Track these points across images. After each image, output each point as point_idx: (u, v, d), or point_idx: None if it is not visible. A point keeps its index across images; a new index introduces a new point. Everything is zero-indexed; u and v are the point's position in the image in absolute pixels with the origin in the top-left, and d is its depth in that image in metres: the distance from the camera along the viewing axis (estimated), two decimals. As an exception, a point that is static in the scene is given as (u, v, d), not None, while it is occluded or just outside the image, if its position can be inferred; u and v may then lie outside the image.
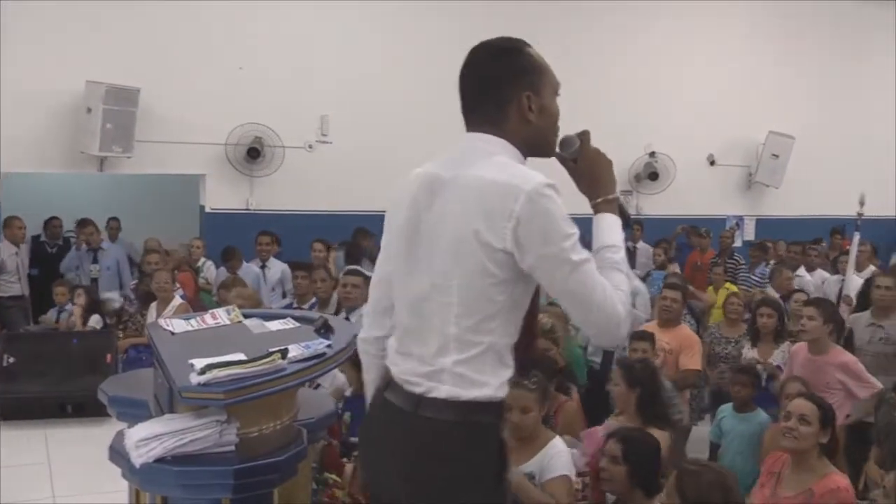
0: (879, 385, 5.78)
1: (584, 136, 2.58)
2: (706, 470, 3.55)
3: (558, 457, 4.02)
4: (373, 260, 9.56)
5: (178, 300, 7.83)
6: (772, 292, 9.12)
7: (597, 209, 2.51)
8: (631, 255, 10.40)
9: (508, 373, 2.40)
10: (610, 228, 2.47)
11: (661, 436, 4.45)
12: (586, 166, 2.55)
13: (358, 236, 9.71)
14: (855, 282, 9.58)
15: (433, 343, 2.36)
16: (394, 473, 2.42)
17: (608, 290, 2.31)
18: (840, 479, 4.12)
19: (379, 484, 2.55)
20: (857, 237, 9.20)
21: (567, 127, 2.57)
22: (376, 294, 2.68)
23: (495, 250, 2.27)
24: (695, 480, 3.42)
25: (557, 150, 2.56)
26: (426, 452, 2.34)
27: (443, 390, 2.32)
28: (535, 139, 2.49)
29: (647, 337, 6.05)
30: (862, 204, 8.88)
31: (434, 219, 2.39)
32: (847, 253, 10.92)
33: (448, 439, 2.32)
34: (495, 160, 2.37)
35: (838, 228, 12.70)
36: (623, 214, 2.54)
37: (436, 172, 2.46)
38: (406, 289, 2.47)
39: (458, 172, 2.39)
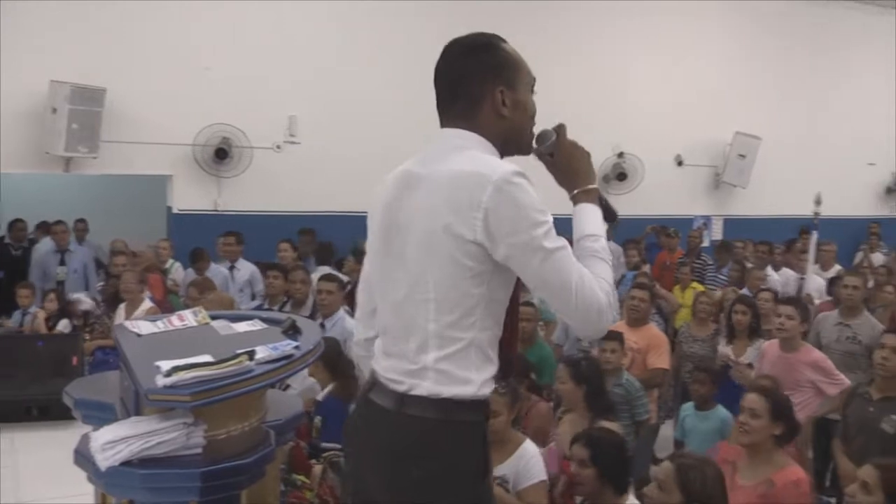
0: (848, 382, 5.84)
1: (560, 129, 2.59)
2: (707, 465, 3.57)
3: (533, 462, 4.04)
4: (319, 259, 9.61)
5: (147, 303, 7.75)
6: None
7: (575, 200, 2.50)
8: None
9: (492, 369, 2.39)
10: (588, 218, 2.47)
11: (613, 427, 4.54)
12: (563, 159, 2.55)
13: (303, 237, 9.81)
14: (815, 281, 9.72)
15: (414, 341, 2.34)
16: (375, 473, 2.40)
17: (586, 277, 2.29)
18: (799, 472, 4.19)
19: (360, 484, 2.52)
20: (814, 236, 9.32)
21: (536, 128, 2.57)
22: (363, 297, 2.68)
23: (467, 242, 2.26)
24: (699, 475, 3.44)
25: (534, 144, 2.56)
26: (408, 451, 2.32)
27: (424, 387, 2.31)
28: (509, 134, 2.48)
29: (617, 336, 6.08)
30: (818, 203, 9.00)
31: (407, 215, 2.38)
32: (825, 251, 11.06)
33: (431, 438, 2.31)
34: (467, 154, 2.36)
35: (806, 228, 12.80)
36: (607, 209, 2.55)
37: (411, 169, 2.45)
38: (386, 288, 2.46)
39: (431, 168, 2.38)
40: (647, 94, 13.29)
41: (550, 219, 2.28)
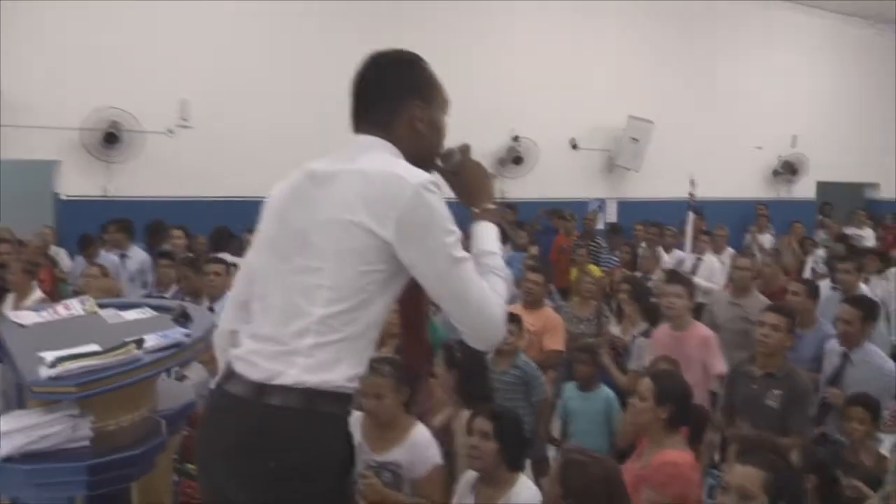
0: (723, 369, 5.96)
1: (464, 149, 2.66)
2: (592, 462, 3.53)
3: (426, 447, 4.03)
4: (214, 244, 9.45)
5: (38, 293, 7.46)
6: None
7: (475, 218, 2.56)
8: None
9: (361, 369, 2.40)
10: (487, 235, 2.52)
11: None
12: (466, 177, 2.63)
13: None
14: (711, 262, 10.00)
15: (295, 325, 2.33)
16: (228, 467, 2.36)
17: (486, 291, 2.37)
18: (674, 454, 4.15)
19: (210, 480, 2.47)
20: (690, 217, 9.61)
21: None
22: (240, 286, 2.65)
23: (376, 237, 2.29)
24: (580, 472, 3.43)
25: (438, 162, 2.62)
26: (267, 442, 2.29)
27: (290, 375, 2.29)
28: (420, 150, 2.54)
29: (515, 319, 6.12)
30: (693, 184, 9.31)
31: (315, 205, 2.40)
32: (707, 233, 11.35)
33: (293, 428, 2.29)
34: (383, 156, 2.43)
35: (695, 209, 13.11)
36: (503, 230, 2.60)
37: (319, 168, 2.48)
38: (274, 270, 2.44)
39: (343, 166, 2.41)
40: (543, 80, 13.38)
41: (459, 232, 2.36)
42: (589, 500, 3.39)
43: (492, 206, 2.59)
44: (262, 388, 2.31)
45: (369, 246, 2.30)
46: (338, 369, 2.32)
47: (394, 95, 2.50)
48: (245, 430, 2.32)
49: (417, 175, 2.34)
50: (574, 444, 5.60)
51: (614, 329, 7.35)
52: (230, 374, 2.42)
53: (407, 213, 2.28)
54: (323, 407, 2.30)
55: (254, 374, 2.34)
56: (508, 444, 3.90)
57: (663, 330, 6.28)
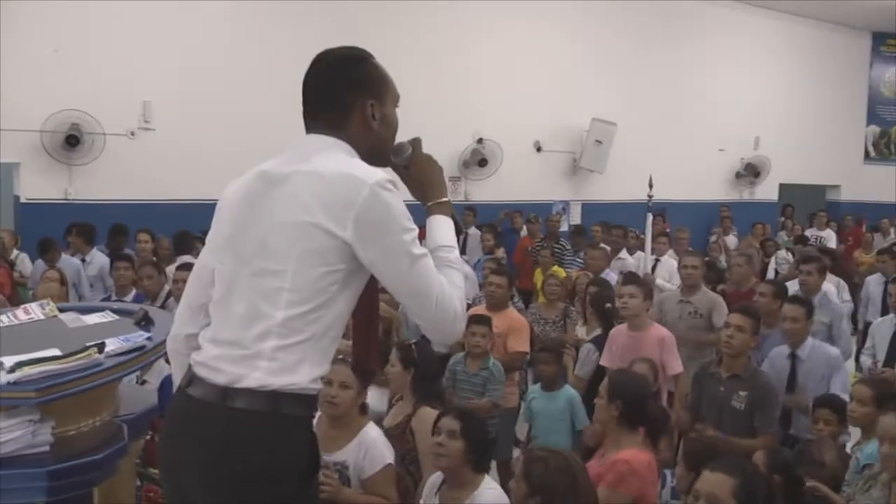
0: (679, 370, 6.04)
1: (415, 143, 2.66)
2: (553, 456, 3.59)
3: (375, 446, 4.02)
4: (178, 248, 9.36)
5: None
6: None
7: (429, 212, 2.57)
8: (463, 240, 10.57)
9: (325, 369, 2.40)
10: (442, 229, 2.53)
11: (432, 415, 4.48)
12: (418, 172, 2.63)
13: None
14: (669, 263, 10.08)
15: (257, 328, 2.31)
16: (193, 471, 2.34)
17: (446, 285, 2.38)
18: (628, 453, 4.17)
19: (176, 486, 2.45)
20: (649, 218, 9.70)
21: (401, 120, 2.60)
22: (193, 289, 2.61)
23: (335, 238, 2.29)
24: (541, 466, 3.47)
25: (391, 157, 2.62)
26: (231, 446, 2.28)
27: (253, 378, 2.28)
28: (374, 147, 2.53)
29: (485, 321, 6.14)
30: (651, 187, 9.41)
31: (271, 207, 2.38)
32: (666, 234, 11.45)
33: (257, 431, 2.28)
34: (338, 156, 2.42)
35: (659, 211, 13.19)
36: (456, 223, 2.60)
37: (272, 169, 2.45)
38: (233, 274, 2.42)
39: (297, 167, 2.39)
40: (507, 83, 13.43)
41: (416, 229, 2.37)
42: (554, 494, 3.42)
43: (445, 200, 2.59)
44: (227, 392, 2.29)
45: (329, 247, 2.30)
46: (301, 371, 2.31)
47: (346, 94, 2.49)
48: (210, 434, 2.30)
49: (373, 174, 2.33)
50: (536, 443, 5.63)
51: (580, 331, 7.38)
52: (192, 379, 2.40)
53: (364, 212, 2.28)
54: (288, 409, 2.30)
55: (218, 378, 2.32)
56: (474, 444, 3.90)
57: (620, 330, 6.32)
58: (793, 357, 5.89)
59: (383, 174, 2.36)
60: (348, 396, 4.04)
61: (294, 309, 2.31)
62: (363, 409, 4.24)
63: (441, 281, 2.37)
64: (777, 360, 5.98)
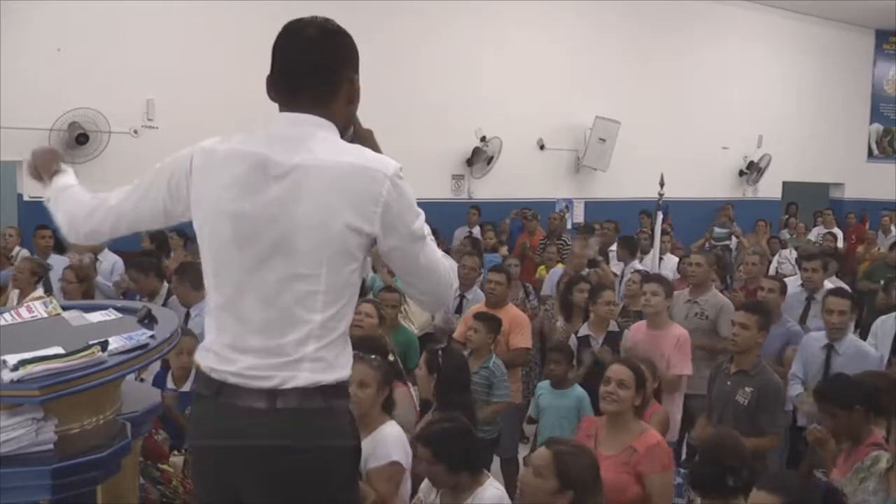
0: (687, 372, 6.07)
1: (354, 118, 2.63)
2: (583, 451, 3.66)
3: (385, 443, 3.99)
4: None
5: (39, 291, 7.30)
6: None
7: None
8: (473, 240, 10.60)
9: (351, 354, 2.47)
10: None
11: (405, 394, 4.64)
12: (363, 144, 2.56)
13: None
14: (671, 261, 10.07)
15: (294, 333, 2.33)
16: (250, 475, 2.37)
17: (444, 260, 2.52)
18: (656, 435, 4.34)
19: (222, 489, 2.46)
20: (660, 216, 9.67)
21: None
22: (142, 211, 2.72)
23: (362, 234, 2.34)
24: (575, 461, 3.53)
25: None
26: (290, 443, 2.32)
27: (302, 378, 2.31)
28: (347, 123, 2.54)
29: (491, 319, 6.19)
30: (662, 185, 9.38)
31: (283, 204, 2.33)
32: (665, 233, 11.44)
33: (314, 427, 2.33)
34: (337, 142, 2.42)
35: (647, 211, 13.15)
36: None
37: (265, 154, 2.38)
38: (244, 276, 2.39)
39: (301, 157, 2.34)
40: (511, 81, 13.43)
41: (422, 212, 2.44)
42: (587, 490, 3.50)
43: None
44: (275, 395, 2.32)
45: (358, 244, 2.35)
46: (341, 363, 2.40)
47: (333, 69, 2.44)
48: (268, 437, 2.32)
49: (387, 164, 2.36)
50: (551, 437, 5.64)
51: (564, 326, 7.35)
52: (221, 388, 2.39)
53: (389, 205, 2.33)
54: (335, 401, 2.36)
55: (262, 383, 2.33)
56: (454, 461, 3.86)
57: (640, 327, 6.41)
58: (829, 348, 5.91)
59: (394, 163, 2.38)
60: (367, 395, 4.01)
61: (330, 309, 2.35)
62: (387, 406, 4.21)
63: (441, 256, 2.48)
64: (811, 347, 6.03)
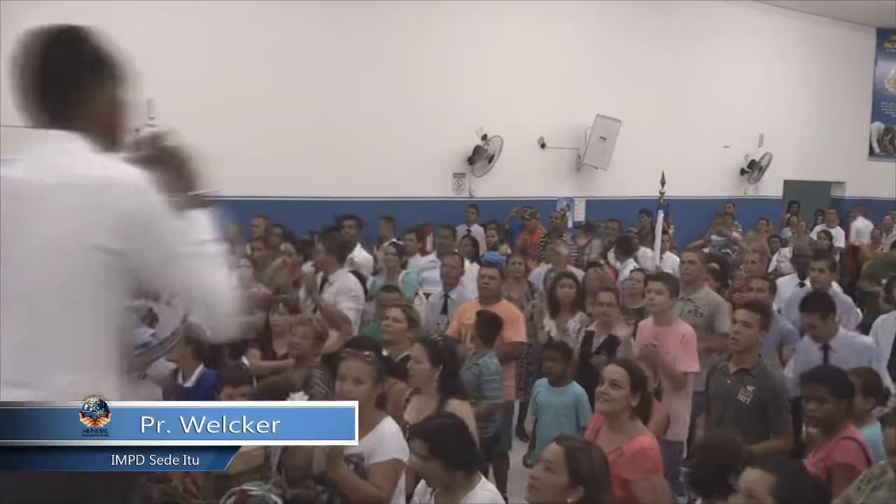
0: (694, 369, 6.05)
1: (163, 134, 2.51)
2: (594, 448, 3.67)
3: (388, 439, 4.00)
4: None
5: None
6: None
7: (183, 206, 2.41)
8: (472, 239, 10.59)
9: None
10: (200, 223, 2.40)
11: (462, 406, 4.62)
12: (169, 164, 2.44)
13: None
14: (671, 259, 10.06)
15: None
16: None
17: (216, 280, 2.30)
18: (646, 440, 4.31)
19: None
20: (660, 215, 9.66)
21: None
22: None
23: (103, 251, 2.17)
24: (587, 458, 3.52)
25: (137, 150, 2.45)
26: None
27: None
28: (109, 133, 2.36)
29: (493, 318, 6.19)
30: (663, 183, 9.37)
31: (31, 229, 2.18)
32: (664, 232, 11.42)
33: None
34: (78, 155, 2.23)
35: (647, 211, 13.15)
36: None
37: (17, 178, 2.24)
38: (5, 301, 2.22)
39: (44, 176, 2.19)
40: (511, 79, 13.37)
41: (181, 223, 2.29)
42: (598, 487, 3.50)
43: (198, 192, 2.44)
44: None
45: (97, 262, 2.17)
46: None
47: (73, 78, 2.28)
48: None
49: (131, 173, 2.21)
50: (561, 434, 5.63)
51: (548, 323, 7.36)
52: None
53: (133, 218, 2.18)
54: None
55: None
56: (451, 458, 3.84)
57: (647, 324, 6.41)
58: (825, 348, 5.91)
59: (137, 171, 2.22)
60: (362, 392, 4.01)
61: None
62: (381, 403, 4.21)
63: (211, 275, 2.29)
64: (808, 350, 6.02)
